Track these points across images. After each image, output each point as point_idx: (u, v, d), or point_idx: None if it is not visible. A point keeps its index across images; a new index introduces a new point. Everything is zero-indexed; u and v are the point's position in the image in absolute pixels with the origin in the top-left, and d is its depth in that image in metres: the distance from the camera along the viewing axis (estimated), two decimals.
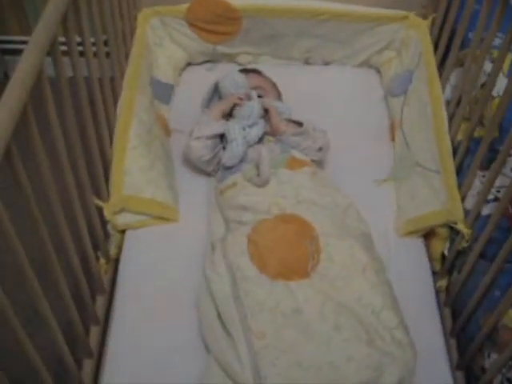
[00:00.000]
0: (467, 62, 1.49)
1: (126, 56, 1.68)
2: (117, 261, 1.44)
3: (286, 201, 1.35)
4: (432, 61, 1.67)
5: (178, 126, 1.72)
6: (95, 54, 1.38)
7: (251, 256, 1.22)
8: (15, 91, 0.88)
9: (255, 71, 1.73)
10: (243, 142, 1.46)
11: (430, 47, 1.70)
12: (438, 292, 1.43)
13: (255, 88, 1.63)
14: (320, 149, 1.54)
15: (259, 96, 1.61)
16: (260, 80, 1.69)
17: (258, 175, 1.40)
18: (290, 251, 1.24)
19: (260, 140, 1.52)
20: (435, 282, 1.43)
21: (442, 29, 1.70)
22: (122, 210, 1.42)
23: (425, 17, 1.80)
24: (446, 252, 1.46)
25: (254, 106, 1.52)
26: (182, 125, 1.71)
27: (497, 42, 1.41)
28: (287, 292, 1.17)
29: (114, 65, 1.57)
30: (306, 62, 1.95)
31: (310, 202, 1.36)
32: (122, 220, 1.43)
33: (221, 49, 1.87)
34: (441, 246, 1.46)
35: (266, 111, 1.55)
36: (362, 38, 1.84)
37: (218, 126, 1.52)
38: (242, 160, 1.47)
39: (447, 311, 1.44)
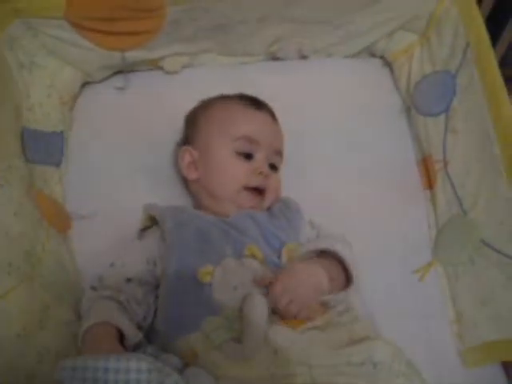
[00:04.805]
0: None
1: None
2: None
3: None
4: (490, 57, 0.98)
5: (81, 208, 1.03)
6: None
7: None
8: None
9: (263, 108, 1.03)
10: None
11: (484, 33, 1.00)
12: None
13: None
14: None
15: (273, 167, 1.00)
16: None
17: (239, 341, 0.76)
18: None
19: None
20: None
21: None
22: None
23: None
24: None
25: None
26: (87, 201, 1.03)
27: None
28: None
29: None
30: (273, 58, 1.23)
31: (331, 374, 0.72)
32: None
33: (134, 55, 1.12)
34: None
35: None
36: (361, 13, 1.11)
37: None
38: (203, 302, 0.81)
39: None
